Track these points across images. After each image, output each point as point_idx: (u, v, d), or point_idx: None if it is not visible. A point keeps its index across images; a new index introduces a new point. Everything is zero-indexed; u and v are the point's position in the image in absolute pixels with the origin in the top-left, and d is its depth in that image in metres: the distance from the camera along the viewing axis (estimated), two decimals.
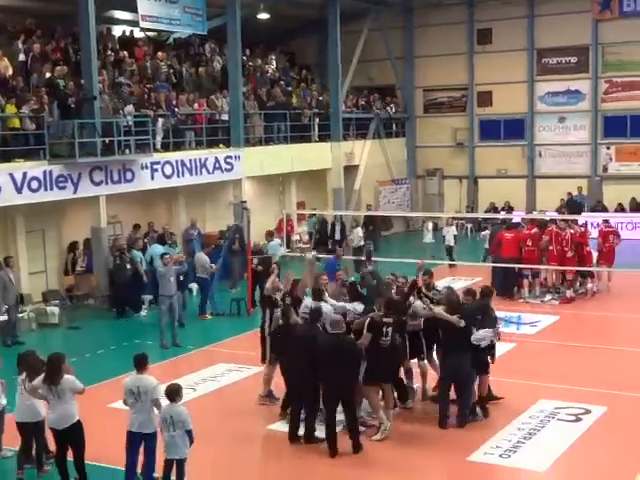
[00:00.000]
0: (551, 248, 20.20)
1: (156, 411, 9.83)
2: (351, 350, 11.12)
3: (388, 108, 33.83)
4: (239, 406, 13.51)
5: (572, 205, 29.80)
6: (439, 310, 11.97)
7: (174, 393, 9.66)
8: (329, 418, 11.16)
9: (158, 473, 9.88)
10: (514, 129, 33.69)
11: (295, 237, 28.83)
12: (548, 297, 20.40)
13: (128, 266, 20.29)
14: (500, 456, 10.93)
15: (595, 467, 10.76)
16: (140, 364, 9.95)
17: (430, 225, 30.68)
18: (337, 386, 11.05)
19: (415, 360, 12.85)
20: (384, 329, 11.39)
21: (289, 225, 27.61)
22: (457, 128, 34.87)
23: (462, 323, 11.59)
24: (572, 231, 20.30)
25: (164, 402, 9.80)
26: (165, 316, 17.14)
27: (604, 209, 30.35)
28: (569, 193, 31.11)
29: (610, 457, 10.90)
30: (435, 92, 35.33)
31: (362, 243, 24.80)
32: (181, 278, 18.50)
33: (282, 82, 30.15)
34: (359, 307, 12.39)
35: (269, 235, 22.33)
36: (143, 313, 20.58)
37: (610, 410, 12.02)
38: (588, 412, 12.37)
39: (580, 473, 10.74)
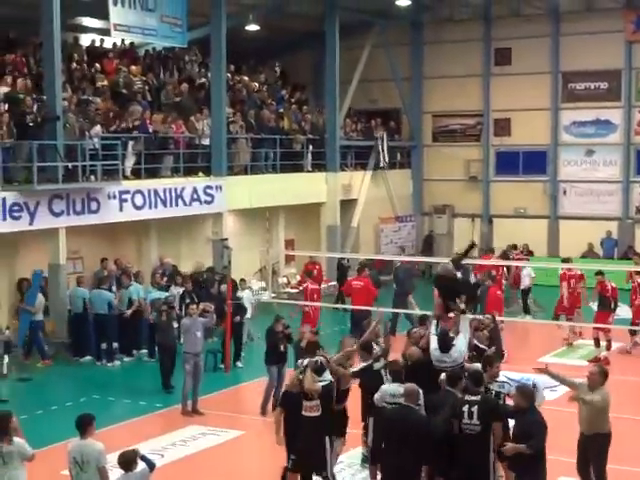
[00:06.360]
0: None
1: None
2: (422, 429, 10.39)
3: (380, 137, 32.75)
4: (215, 475, 13.40)
5: None
6: None
7: (130, 462, 9.47)
8: None
9: None
10: (535, 162, 33.81)
11: (282, 279, 28.72)
12: None
13: (175, 324, 19.20)
14: None
15: None
16: (84, 427, 9.78)
17: None
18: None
19: None
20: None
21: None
22: (470, 160, 35.03)
23: None
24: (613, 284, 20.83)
25: (117, 472, 9.62)
26: (190, 377, 16.45)
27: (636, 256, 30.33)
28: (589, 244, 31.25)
29: None
30: (446, 118, 35.53)
31: None
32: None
33: (272, 103, 30.30)
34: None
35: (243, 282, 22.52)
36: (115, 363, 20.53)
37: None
38: None
39: None
